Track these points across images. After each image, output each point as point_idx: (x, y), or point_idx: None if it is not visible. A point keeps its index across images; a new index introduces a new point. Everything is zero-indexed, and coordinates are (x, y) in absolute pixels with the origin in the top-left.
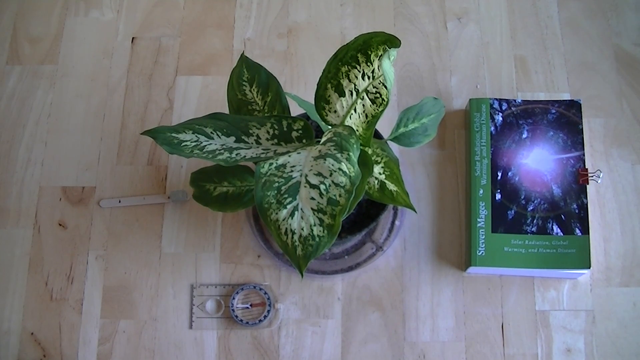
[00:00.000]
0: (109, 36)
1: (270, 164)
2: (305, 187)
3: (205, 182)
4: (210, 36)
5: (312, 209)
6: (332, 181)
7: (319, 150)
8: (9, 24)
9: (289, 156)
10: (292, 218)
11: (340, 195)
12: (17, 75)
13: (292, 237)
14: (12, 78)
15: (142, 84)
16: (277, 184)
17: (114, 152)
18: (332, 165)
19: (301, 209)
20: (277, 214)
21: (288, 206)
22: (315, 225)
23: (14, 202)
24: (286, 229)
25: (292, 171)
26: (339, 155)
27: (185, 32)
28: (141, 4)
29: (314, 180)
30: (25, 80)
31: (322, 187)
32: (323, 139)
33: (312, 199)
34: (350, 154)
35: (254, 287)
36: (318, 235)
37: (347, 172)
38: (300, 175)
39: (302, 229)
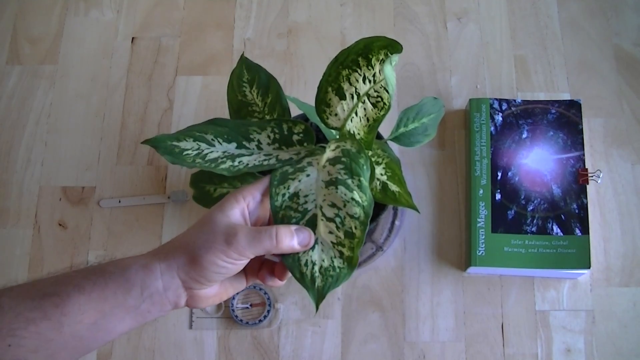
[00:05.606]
0: (109, 36)
1: (283, 195)
2: (322, 220)
3: (205, 183)
4: (210, 36)
5: (331, 242)
6: (347, 213)
7: (328, 172)
8: (9, 24)
9: (299, 181)
10: (312, 251)
11: (355, 228)
12: (17, 75)
13: (313, 268)
14: (12, 78)
15: (142, 84)
16: (294, 220)
17: (114, 152)
18: (345, 195)
19: (321, 242)
20: None
21: None
22: (335, 257)
23: (14, 202)
24: (307, 260)
25: (305, 202)
26: (349, 181)
27: (185, 32)
28: (141, 4)
29: (329, 212)
30: (25, 80)
31: (338, 219)
32: (330, 154)
33: (330, 232)
34: (362, 179)
35: (254, 287)
36: (339, 267)
37: (360, 201)
38: (315, 207)
39: (323, 260)
